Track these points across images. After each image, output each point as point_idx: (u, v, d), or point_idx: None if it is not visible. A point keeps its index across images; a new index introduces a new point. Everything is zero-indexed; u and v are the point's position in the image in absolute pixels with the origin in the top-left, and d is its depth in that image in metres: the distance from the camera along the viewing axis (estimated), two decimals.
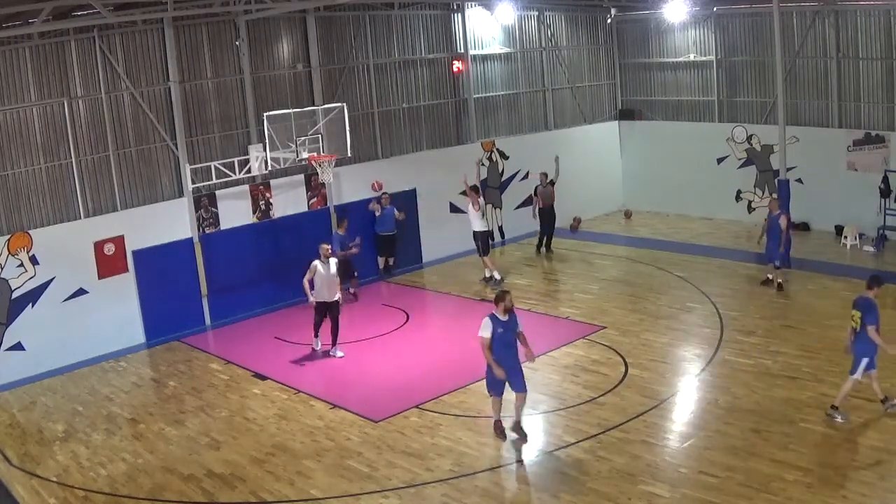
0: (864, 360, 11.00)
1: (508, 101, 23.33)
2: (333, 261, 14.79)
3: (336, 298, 14.67)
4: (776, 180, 19.79)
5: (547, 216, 20.90)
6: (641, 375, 13.08)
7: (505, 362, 10.70)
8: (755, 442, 10.78)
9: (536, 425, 11.83)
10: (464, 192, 19.23)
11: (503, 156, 22.18)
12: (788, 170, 19.15)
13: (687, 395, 12.69)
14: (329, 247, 14.98)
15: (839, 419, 11.08)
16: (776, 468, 10.01)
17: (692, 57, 24.26)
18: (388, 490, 10.29)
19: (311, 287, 14.67)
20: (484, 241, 18.74)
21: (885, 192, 19.90)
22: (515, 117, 23.54)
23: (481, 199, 19.14)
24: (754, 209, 22.64)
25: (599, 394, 12.51)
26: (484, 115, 22.77)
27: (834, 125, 21.51)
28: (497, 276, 18.48)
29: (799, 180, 20.17)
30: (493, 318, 10.69)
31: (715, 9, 22.97)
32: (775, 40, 18.50)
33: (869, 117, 21.06)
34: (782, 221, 16.79)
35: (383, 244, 19.48)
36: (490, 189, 21.90)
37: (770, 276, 17.01)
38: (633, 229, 23.53)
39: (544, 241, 21.07)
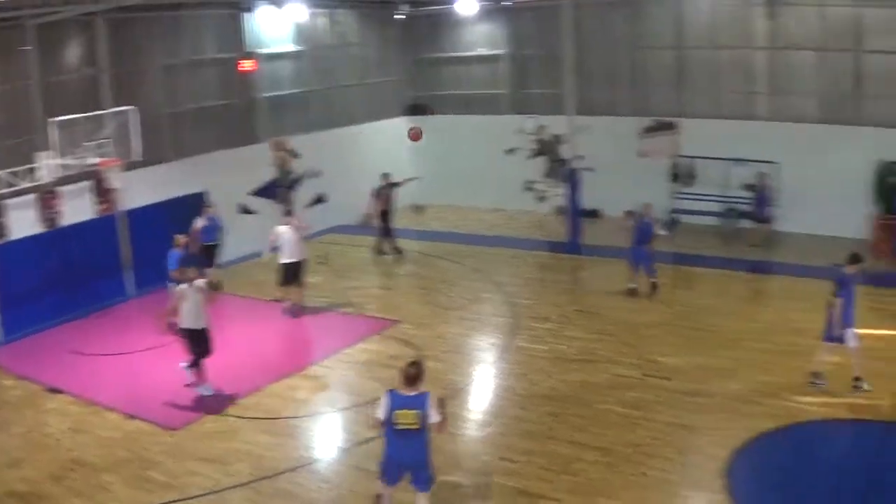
0: (849, 331, 12.18)
1: (299, 99, 23.98)
2: (199, 283, 13.47)
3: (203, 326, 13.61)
4: (567, 169, 21.46)
5: (386, 218, 21.34)
6: (438, 367, 13.57)
7: (405, 452, 8.72)
8: (553, 425, 11.59)
9: (335, 422, 12.25)
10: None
11: (294, 154, 22.36)
12: (579, 158, 20.90)
13: (484, 384, 13.56)
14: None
15: (865, 387, 12.09)
16: (575, 450, 10.81)
17: (483, 51, 26.14)
18: (190, 498, 10.30)
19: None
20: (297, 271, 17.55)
21: (675, 177, 22.30)
22: (306, 116, 24.10)
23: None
24: (545, 199, 23.95)
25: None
26: (274, 115, 23.20)
27: (625, 113, 23.67)
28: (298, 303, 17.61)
29: (590, 168, 21.53)
30: (393, 394, 8.67)
31: (502, 3, 24.71)
32: (565, 32, 20.39)
33: (659, 104, 23.29)
34: (656, 227, 17.58)
35: (206, 254, 18.82)
36: (281, 189, 22.04)
37: (634, 286, 17.24)
38: (426, 223, 24.54)
39: (387, 243, 21.31)
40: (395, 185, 21.34)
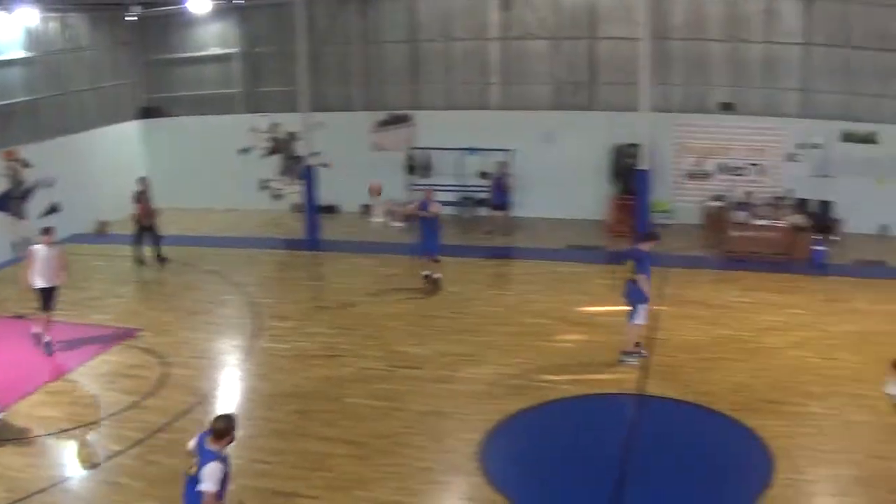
0: (642, 306, 13.34)
1: (30, 107, 22.52)
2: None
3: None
4: (302, 166, 21.73)
5: (146, 223, 20.41)
6: (182, 374, 13.52)
7: (185, 495, 7.97)
8: (302, 423, 11.67)
9: (84, 438, 11.61)
10: None
11: (25, 164, 21.14)
12: (314, 155, 21.29)
13: (229, 387, 13.50)
14: None
15: (632, 361, 13.22)
16: (328, 445, 10.92)
17: (216, 50, 25.74)
18: None
19: None
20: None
21: (411, 169, 23.09)
22: (38, 123, 22.65)
23: None
24: (281, 197, 24.49)
25: (141, 398, 12.67)
26: (4, 124, 21.57)
27: (360, 108, 24.27)
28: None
29: (326, 164, 22.01)
30: (202, 436, 7.92)
31: (234, 1, 24.36)
32: (299, 29, 20.55)
33: (393, 98, 24.07)
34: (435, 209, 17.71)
35: None
36: (13, 200, 20.88)
37: (429, 273, 17.48)
38: (161, 228, 23.71)
39: (148, 250, 20.47)
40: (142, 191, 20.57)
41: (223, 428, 7.75)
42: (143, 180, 20.37)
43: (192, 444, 7.97)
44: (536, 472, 10.60)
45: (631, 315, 13.57)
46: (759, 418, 11.75)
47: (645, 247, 13.53)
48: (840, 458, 10.81)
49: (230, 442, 7.72)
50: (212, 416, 11.44)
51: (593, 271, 18.37)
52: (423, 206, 17.36)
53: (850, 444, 11.17)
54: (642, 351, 13.85)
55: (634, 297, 13.48)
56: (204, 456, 7.67)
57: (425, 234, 17.50)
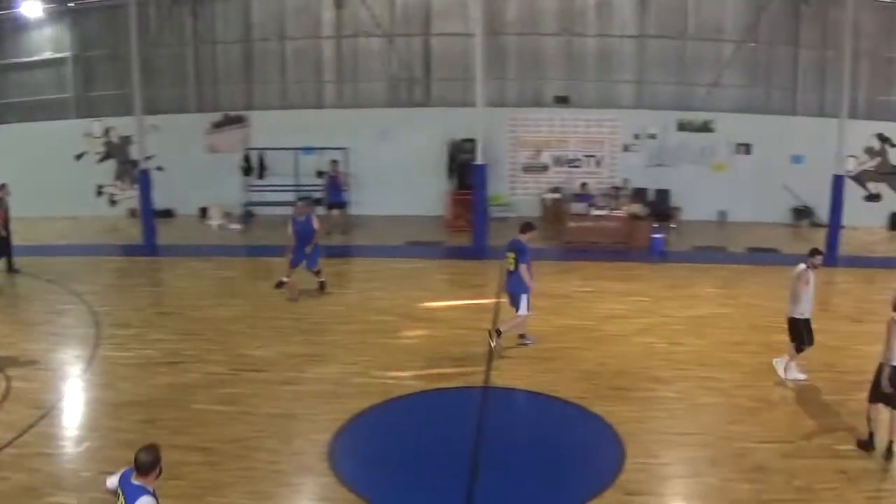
0: (524, 296, 14.11)
1: None
2: None
3: None
4: (137, 170, 21.75)
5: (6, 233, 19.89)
6: (25, 387, 13.14)
7: None
8: (150, 432, 11.32)
9: None
10: None
11: None
12: (148, 159, 21.23)
13: (74, 399, 13.17)
14: None
15: (529, 342, 14.35)
16: (177, 453, 10.64)
17: (48, 54, 25.36)
18: None
19: None
20: None
21: (247, 171, 23.29)
22: None
23: None
24: (116, 202, 24.41)
25: None
26: None
27: (192, 110, 24.44)
28: None
29: (159, 168, 22.18)
30: (125, 473, 7.54)
31: (67, 4, 24.21)
32: (131, 31, 20.37)
33: (228, 99, 24.27)
34: (316, 224, 17.33)
35: None
36: None
37: (286, 279, 17.36)
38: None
39: (6, 262, 19.92)
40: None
41: (150, 461, 7.42)
42: (4, 187, 19.82)
43: (111, 482, 7.59)
44: (388, 469, 10.77)
45: (516, 306, 14.31)
46: (607, 405, 12.30)
47: (524, 237, 14.26)
48: (690, 441, 11.44)
49: (159, 475, 7.40)
50: (60, 429, 11.51)
51: (433, 267, 18.98)
52: (297, 221, 17.21)
53: (699, 426, 11.83)
54: (527, 340, 14.58)
55: (517, 287, 14.19)
56: (132, 494, 7.34)
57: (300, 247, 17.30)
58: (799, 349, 13.43)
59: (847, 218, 22.06)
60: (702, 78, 23.54)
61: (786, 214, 24.44)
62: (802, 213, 24.45)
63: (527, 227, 14.64)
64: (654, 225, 21.26)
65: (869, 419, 11.45)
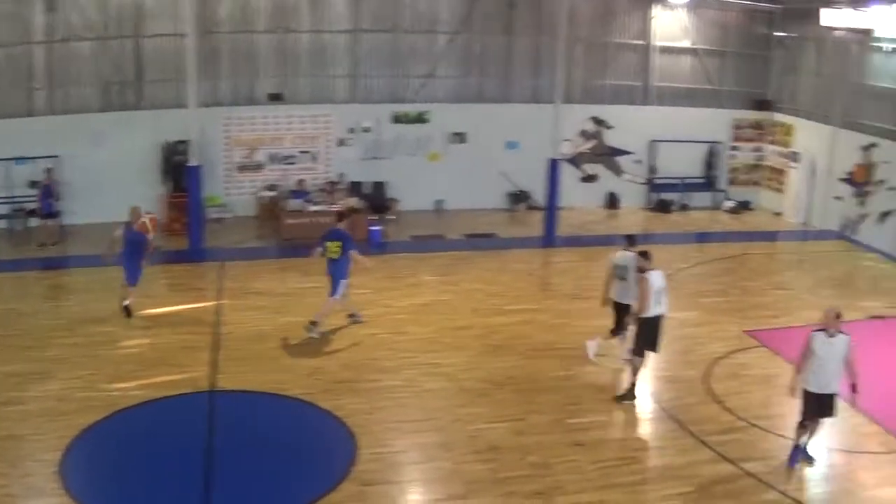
0: (343, 282, 16.01)
1: None
2: None
3: None
4: None
5: None
6: None
7: None
8: None
9: None
10: None
11: None
12: None
13: None
14: None
15: (315, 335, 15.92)
16: None
17: None
18: None
19: None
20: None
21: None
22: None
23: None
24: None
25: None
26: None
27: None
28: None
29: None
30: None
31: None
32: None
33: None
34: (150, 235, 17.38)
35: None
36: None
37: (129, 302, 17.25)
38: None
39: None
40: None
41: None
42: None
43: None
44: (122, 482, 11.24)
45: (333, 291, 16.16)
46: (337, 399, 13.45)
47: (342, 226, 16.33)
48: (422, 427, 12.75)
49: None
50: None
51: (150, 272, 18.67)
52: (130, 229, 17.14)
53: (429, 412, 13.21)
54: (359, 317, 16.85)
55: (338, 273, 16.14)
56: None
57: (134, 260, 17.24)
58: (615, 333, 15.41)
59: (565, 199, 24.93)
60: (416, 70, 25.49)
61: (503, 200, 26.94)
62: (519, 197, 26.91)
63: (342, 215, 16.78)
64: (372, 217, 22.99)
65: (633, 371, 14.03)
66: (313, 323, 16.26)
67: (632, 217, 27.97)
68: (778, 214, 29.30)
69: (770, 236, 27.22)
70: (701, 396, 14.59)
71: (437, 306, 17.90)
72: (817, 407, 12.14)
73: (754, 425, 13.65)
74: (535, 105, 26.58)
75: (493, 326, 17.10)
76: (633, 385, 14.22)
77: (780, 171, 29.69)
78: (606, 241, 23.68)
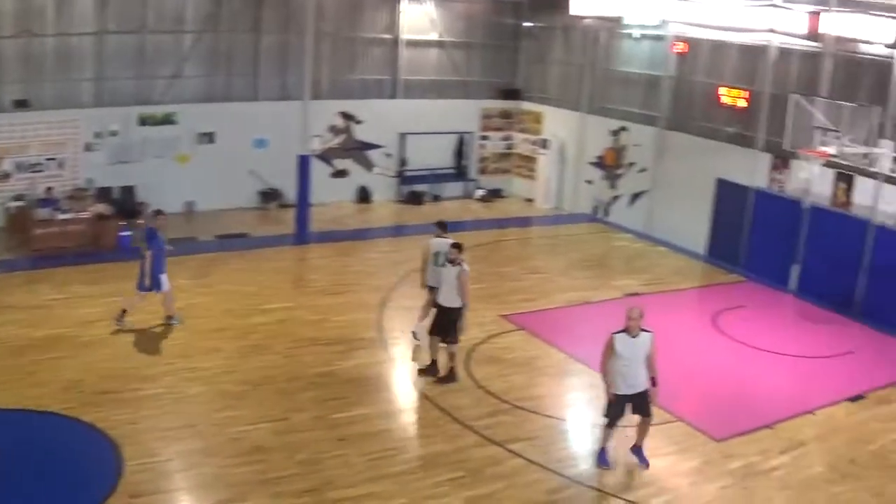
0: (162, 276, 17.27)
1: None
2: None
3: None
4: None
5: None
6: None
7: None
8: None
9: None
10: None
11: None
12: None
13: None
14: None
15: (175, 322, 17.59)
16: None
17: None
18: None
19: None
20: None
21: None
22: None
23: None
24: None
25: None
26: None
27: None
28: None
29: None
30: None
31: None
32: None
33: None
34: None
35: None
36: None
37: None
38: None
39: None
40: None
41: None
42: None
43: None
44: None
45: (157, 287, 17.41)
46: (98, 411, 13.67)
47: (154, 223, 17.58)
48: (185, 433, 13.22)
49: None
50: None
51: None
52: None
53: (190, 418, 13.70)
54: (121, 322, 17.43)
55: (155, 269, 17.26)
56: None
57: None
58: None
59: (316, 195, 25.98)
60: (163, 71, 25.99)
61: (254, 198, 27.98)
62: (270, 195, 27.98)
63: (157, 213, 18.10)
64: (122, 223, 23.22)
65: (431, 349, 15.52)
66: (170, 318, 17.90)
67: (384, 210, 29.67)
68: (530, 201, 31.74)
69: (523, 222, 29.57)
70: (463, 382, 15.95)
71: (193, 310, 18.46)
72: (632, 407, 13.00)
73: (518, 407, 15.06)
74: (283, 102, 27.66)
75: (250, 327, 17.94)
76: (451, 369, 15.94)
77: (531, 159, 32.23)
78: (359, 235, 25.60)
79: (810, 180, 21.96)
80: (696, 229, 26.15)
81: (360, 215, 29.05)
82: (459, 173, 32.17)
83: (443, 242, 16.69)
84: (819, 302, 22.32)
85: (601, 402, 13.81)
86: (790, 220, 23.53)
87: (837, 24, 21.94)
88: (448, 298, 15.75)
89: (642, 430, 13.31)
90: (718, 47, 26.04)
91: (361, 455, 13.07)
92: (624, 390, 12.83)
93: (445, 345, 15.92)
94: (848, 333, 20.44)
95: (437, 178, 31.39)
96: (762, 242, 24.60)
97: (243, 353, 16.67)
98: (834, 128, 19.85)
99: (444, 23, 31.31)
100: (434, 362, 16.09)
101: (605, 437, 13.33)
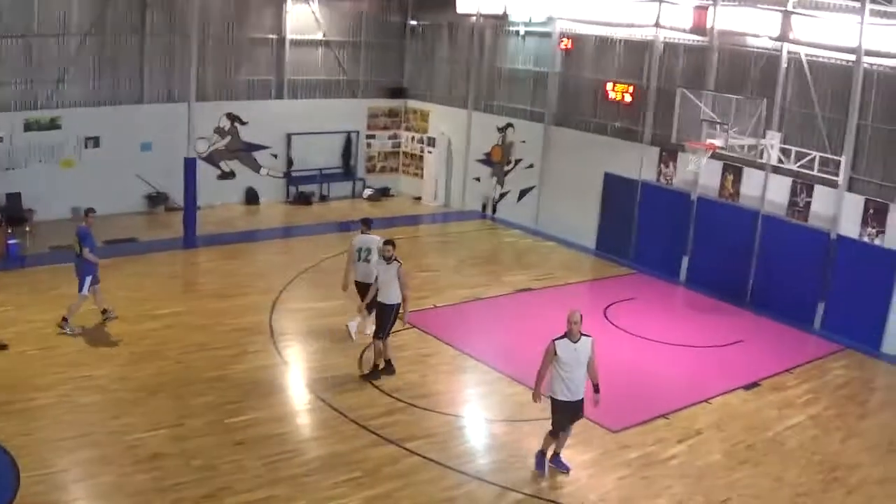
0: (88, 278, 17.46)
1: None
2: None
3: None
4: None
5: None
6: None
7: None
8: None
9: None
10: None
11: None
12: None
13: None
14: None
15: (68, 331, 17.32)
16: None
17: None
18: None
19: None
20: None
21: None
22: None
23: None
24: None
25: None
26: None
27: None
28: None
29: None
30: None
31: None
32: None
33: None
34: None
35: None
36: None
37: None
38: None
39: None
40: None
41: None
42: None
43: None
44: None
45: (80, 287, 17.49)
46: None
47: (86, 223, 17.63)
48: (81, 443, 13.20)
49: None
50: None
51: None
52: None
53: (86, 427, 13.67)
54: (111, 313, 18.17)
55: (83, 270, 17.44)
56: None
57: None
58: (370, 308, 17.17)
59: (204, 198, 26.06)
60: (49, 75, 25.69)
61: (141, 202, 27.86)
62: (157, 198, 27.87)
63: (88, 211, 18.10)
64: (8, 231, 22.83)
65: (377, 353, 16.04)
66: (65, 319, 17.65)
67: (272, 211, 29.83)
68: (418, 199, 32.27)
69: (412, 221, 30.02)
70: (357, 382, 16.30)
71: (84, 317, 18.28)
72: (571, 414, 13.17)
73: (413, 405, 15.44)
74: (169, 104, 27.65)
75: (141, 333, 17.92)
76: (376, 366, 16.51)
77: (418, 157, 32.75)
78: (248, 237, 25.74)
79: (698, 173, 22.84)
80: (585, 224, 26.92)
81: (248, 217, 29.06)
82: (347, 173, 32.47)
83: (367, 239, 17.57)
84: (709, 292, 23.32)
85: (496, 398, 14.72)
86: (679, 212, 24.49)
87: (723, 17, 23.03)
88: (388, 295, 16.30)
89: (564, 437, 13.56)
90: (604, 43, 26.81)
91: (258, 459, 13.19)
92: (567, 397, 12.97)
93: (376, 342, 16.54)
94: (739, 322, 21.45)
95: (324, 177, 31.64)
96: (651, 235, 25.51)
97: (136, 360, 16.64)
98: (721, 120, 20.71)
99: (330, 22, 31.59)
100: (388, 361, 16.81)
101: (547, 443, 13.59)
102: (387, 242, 16.33)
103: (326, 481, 12.83)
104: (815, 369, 17.54)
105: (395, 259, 16.16)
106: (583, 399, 13.13)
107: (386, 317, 16.38)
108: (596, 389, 13.20)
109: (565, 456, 13.83)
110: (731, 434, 15.41)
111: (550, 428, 13.35)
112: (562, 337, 12.74)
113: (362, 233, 18.01)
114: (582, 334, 12.79)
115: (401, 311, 16.44)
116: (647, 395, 16.87)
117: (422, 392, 16.07)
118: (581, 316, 12.79)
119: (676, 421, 15.81)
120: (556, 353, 12.69)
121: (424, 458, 13.69)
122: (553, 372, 12.85)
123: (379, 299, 16.38)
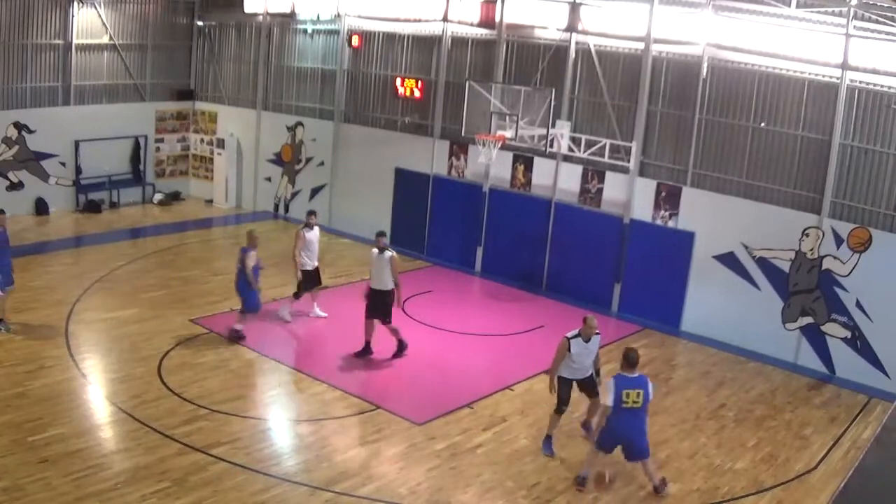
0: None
1: None
2: None
3: None
4: None
5: None
6: None
7: None
8: None
9: None
10: None
11: None
12: None
13: None
14: None
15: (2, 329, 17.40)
16: None
17: None
18: None
19: None
20: None
21: None
22: None
23: None
24: None
25: None
26: None
27: None
28: None
29: None
30: None
31: None
32: None
33: None
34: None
35: None
36: None
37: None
38: None
39: None
40: None
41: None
42: None
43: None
44: None
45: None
46: None
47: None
48: None
49: None
50: None
51: None
52: None
53: None
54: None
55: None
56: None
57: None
58: (296, 295, 19.63)
59: None
60: None
61: None
62: None
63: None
64: None
65: (392, 332, 17.41)
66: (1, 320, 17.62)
67: (63, 221, 28.88)
68: (209, 202, 31.95)
69: (204, 224, 29.73)
70: (157, 392, 16.05)
71: None
72: (580, 387, 14.75)
73: (216, 411, 15.36)
74: None
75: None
76: (400, 341, 18.45)
77: (208, 159, 32.53)
78: (39, 249, 24.88)
79: (489, 164, 23.49)
80: (378, 219, 27.18)
81: (38, 228, 28.03)
82: (137, 178, 31.81)
83: (316, 232, 20.14)
84: (506, 281, 24.17)
85: (299, 398, 15.30)
86: (471, 204, 25.23)
87: (511, 11, 23.76)
88: (381, 283, 17.86)
89: (593, 408, 15.08)
90: (393, 39, 27.32)
91: (64, 476, 12.91)
92: (573, 376, 14.43)
93: (386, 325, 18.01)
94: (537, 309, 22.32)
95: (114, 184, 30.87)
96: (445, 228, 26.21)
97: None
98: (510, 112, 21.36)
99: (117, 25, 30.87)
100: (368, 344, 17.94)
101: (552, 424, 14.64)
102: (380, 234, 18.13)
103: (135, 494, 12.66)
104: (617, 350, 18.55)
105: (388, 248, 17.73)
106: (591, 376, 14.77)
107: (382, 302, 17.86)
108: (597, 374, 14.74)
109: None
110: (535, 419, 15.99)
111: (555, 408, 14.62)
112: (576, 335, 14.14)
113: (306, 225, 20.25)
114: (595, 334, 14.20)
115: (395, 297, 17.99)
116: (450, 386, 17.36)
117: (223, 397, 16.05)
118: (597, 322, 14.20)
119: (481, 409, 16.39)
120: (569, 350, 14.09)
121: (231, 463, 13.73)
122: (563, 363, 14.26)
123: (374, 286, 17.84)
